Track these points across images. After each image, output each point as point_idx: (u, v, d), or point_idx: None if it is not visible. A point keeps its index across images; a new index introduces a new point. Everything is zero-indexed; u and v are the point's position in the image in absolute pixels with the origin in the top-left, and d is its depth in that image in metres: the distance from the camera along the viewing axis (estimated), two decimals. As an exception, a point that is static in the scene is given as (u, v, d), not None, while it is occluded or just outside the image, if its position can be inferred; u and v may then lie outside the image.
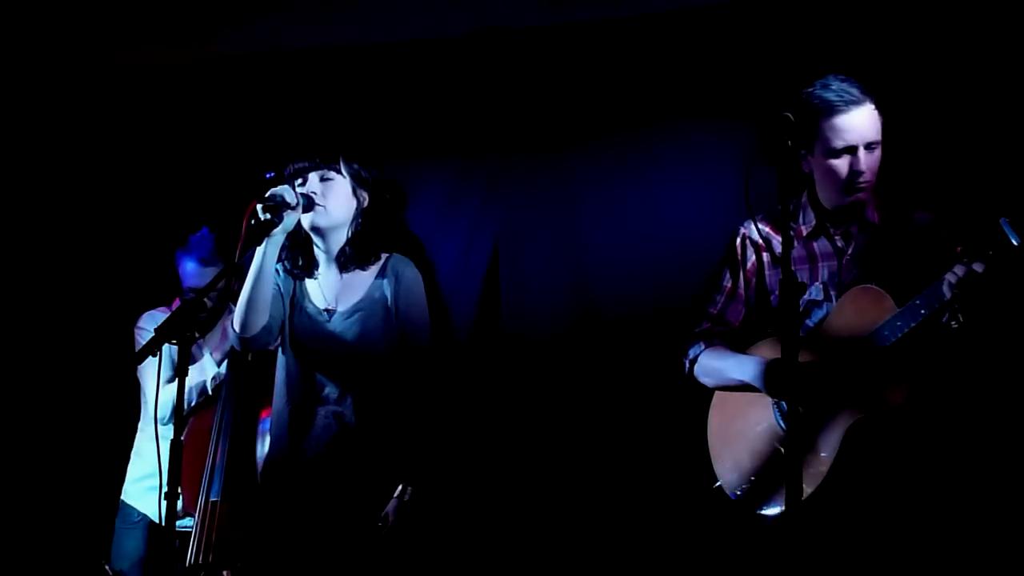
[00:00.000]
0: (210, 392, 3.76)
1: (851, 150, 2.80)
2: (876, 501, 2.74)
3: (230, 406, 3.65)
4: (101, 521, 3.98)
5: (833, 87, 2.81)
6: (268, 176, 3.05)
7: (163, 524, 2.57)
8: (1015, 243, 2.50)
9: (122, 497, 3.92)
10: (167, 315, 3.89)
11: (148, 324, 3.92)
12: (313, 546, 2.99)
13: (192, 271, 3.92)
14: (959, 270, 2.55)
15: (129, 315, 4.03)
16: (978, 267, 2.53)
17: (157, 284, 4.15)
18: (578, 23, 4.23)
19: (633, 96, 4.16)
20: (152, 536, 3.83)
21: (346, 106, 4.44)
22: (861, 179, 2.81)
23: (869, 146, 2.81)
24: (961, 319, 2.66)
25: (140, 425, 3.95)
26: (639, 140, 4.15)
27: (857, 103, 2.78)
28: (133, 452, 3.95)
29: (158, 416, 3.73)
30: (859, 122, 2.79)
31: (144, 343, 3.78)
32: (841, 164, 2.82)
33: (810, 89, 2.85)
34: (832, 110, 2.79)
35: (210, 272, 3.89)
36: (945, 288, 2.57)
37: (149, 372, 3.80)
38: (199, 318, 3.80)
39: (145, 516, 3.85)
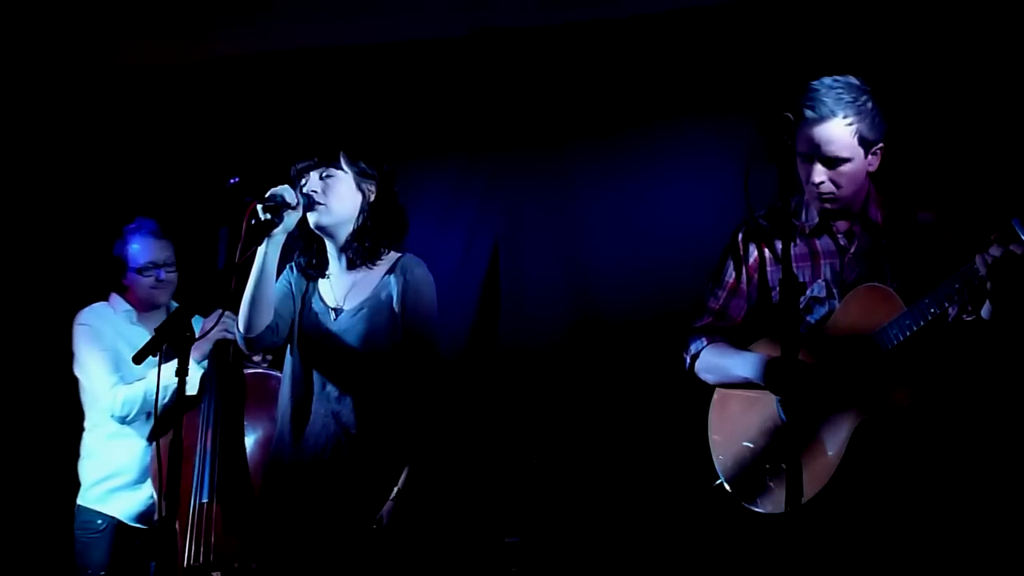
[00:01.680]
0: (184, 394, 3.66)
1: (809, 160, 2.80)
2: (882, 502, 2.74)
3: (214, 405, 3.52)
4: (56, 526, 3.88)
5: (812, 95, 2.78)
6: (232, 182, 3.03)
7: (162, 523, 2.56)
8: None
9: (82, 503, 3.75)
10: (109, 312, 3.80)
11: (91, 320, 3.77)
12: (308, 546, 2.98)
13: (150, 245, 3.79)
14: (995, 251, 2.52)
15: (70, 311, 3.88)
16: (1017, 248, 2.50)
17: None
18: (578, 23, 4.24)
19: (633, 96, 4.17)
20: (118, 541, 3.71)
21: (347, 106, 4.45)
22: (816, 191, 2.81)
23: (828, 160, 2.78)
24: (971, 310, 2.65)
25: (87, 426, 3.80)
26: (639, 140, 4.16)
27: (821, 118, 2.75)
28: (85, 455, 3.79)
29: (120, 414, 3.65)
30: (817, 136, 2.76)
31: (87, 337, 3.74)
32: (803, 171, 2.83)
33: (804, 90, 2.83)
34: (803, 120, 2.77)
35: (166, 244, 3.81)
36: (980, 267, 2.54)
37: (91, 369, 3.72)
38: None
39: (110, 522, 3.71)
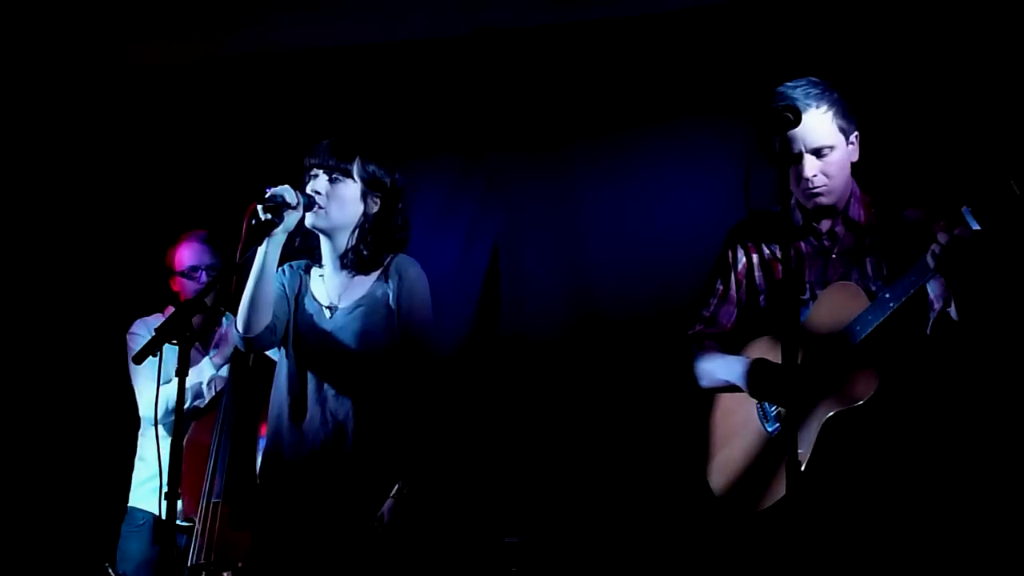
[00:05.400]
0: (205, 395, 3.76)
1: (796, 158, 2.81)
2: (853, 495, 2.75)
3: (231, 411, 3.64)
4: (106, 526, 3.97)
5: (782, 97, 2.80)
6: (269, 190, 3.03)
7: (164, 521, 2.57)
8: (975, 228, 2.51)
9: (131, 504, 3.90)
10: (159, 322, 3.88)
11: (141, 330, 3.91)
12: (307, 544, 2.98)
13: (194, 249, 3.95)
14: (942, 238, 2.56)
15: (122, 321, 4.02)
16: (963, 232, 2.53)
17: (151, 291, 4.13)
18: (578, 23, 4.24)
19: (633, 96, 4.16)
20: (155, 537, 3.81)
21: (346, 106, 4.44)
22: (810, 185, 2.82)
23: (816, 152, 2.80)
24: (954, 305, 2.67)
25: (140, 430, 3.94)
26: (639, 140, 4.16)
27: (801, 111, 2.74)
28: (137, 457, 3.95)
29: (149, 416, 3.80)
30: (800, 130, 2.76)
31: (139, 347, 3.84)
32: (794, 171, 2.84)
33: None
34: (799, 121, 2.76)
35: (209, 250, 3.95)
36: (929, 259, 2.57)
37: (142, 377, 3.82)
38: (196, 319, 3.80)
39: (149, 519, 3.83)
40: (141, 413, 3.87)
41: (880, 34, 3.79)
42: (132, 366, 3.86)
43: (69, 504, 4.40)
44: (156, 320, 3.93)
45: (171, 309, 3.97)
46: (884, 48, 3.76)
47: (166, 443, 3.73)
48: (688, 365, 3.07)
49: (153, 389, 3.70)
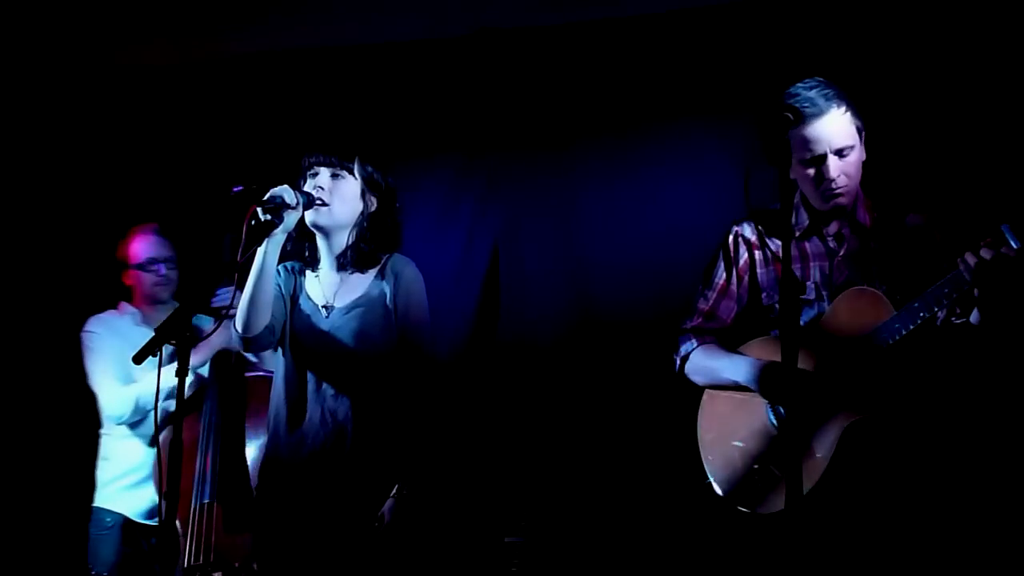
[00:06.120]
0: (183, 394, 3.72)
1: (820, 159, 2.80)
2: (871, 503, 2.75)
3: (216, 409, 3.61)
4: (72, 529, 3.90)
5: (800, 97, 2.79)
6: (236, 190, 3.03)
7: (162, 522, 2.58)
8: (1015, 246, 2.51)
9: (96, 504, 3.81)
10: (115, 318, 3.88)
11: (97, 327, 3.84)
12: (308, 544, 2.99)
13: (150, 241, 3.88)
14: (985, 254, 2.55)
15: (75, 319, 3.94)
16: (1007, 251, 2.53)
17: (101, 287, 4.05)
18: (578, 23, 4.24)
19: (633, 96, 4.17)
20: (126, 538, 3.75)
21: (346, 106, 4.44)
22: (834, 185, 2.81)
23: (839, 152, 2.80)
24: (959, 312, 2.67)
25: (103, 430, 3.85)
26: (639, 140, 4.16)
27: (820, 113, 2.77)
28: (102, 458, 3.84)
29: (111, 415, 3.73)
30: (824, 131, 2.78)
31: (95, 343, 3.79)
32: (813, 173, 2.83)
33: (783, 100, 2.83)
34: (802, 120, 2.76)
35: (165, 242, 3.89)
36: (965, 272, 2.57)
37: (101, 376, 3.76)
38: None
39: (119, 519, 3.75)
40: (104, 413, 3.77)
41: (881, 36, 3.79)
42: (90, 365, 3.79)
43: (27, 505, 4.34)
44: (111, 316, 3.88)
45: (124, 305, 3.91)
46: (885, 50, 3.76)
47: (132, 443, 3.77)
48: (681, 359, 3.06)
49: (113, 388, 3.70)
